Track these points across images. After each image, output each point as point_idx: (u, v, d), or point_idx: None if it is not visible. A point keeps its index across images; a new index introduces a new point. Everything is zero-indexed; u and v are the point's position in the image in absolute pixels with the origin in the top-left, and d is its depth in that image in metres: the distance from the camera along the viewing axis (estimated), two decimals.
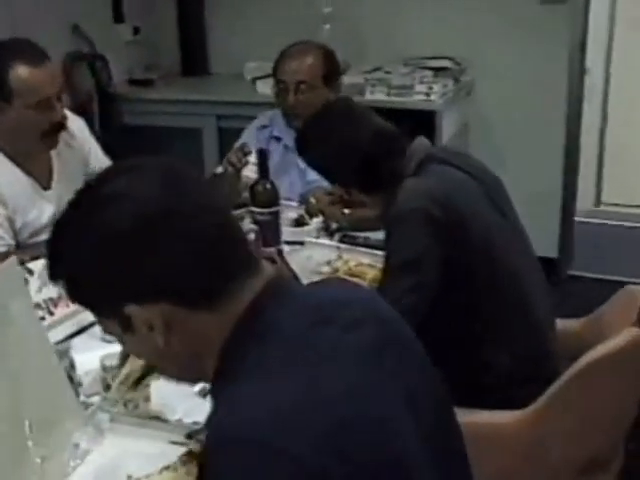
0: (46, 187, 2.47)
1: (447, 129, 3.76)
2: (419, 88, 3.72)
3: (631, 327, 1.80)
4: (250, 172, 2.68)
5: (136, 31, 4.47)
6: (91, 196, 1.07)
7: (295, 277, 1.94)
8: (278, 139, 2.94)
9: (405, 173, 1.95)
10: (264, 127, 3.00)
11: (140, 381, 1.45)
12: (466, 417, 1.83)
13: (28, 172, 2.42)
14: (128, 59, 4.45)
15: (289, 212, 2.60)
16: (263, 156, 2.34)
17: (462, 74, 4.09)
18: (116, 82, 4.22)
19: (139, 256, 1.01)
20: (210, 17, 4.57)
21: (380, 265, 2.24)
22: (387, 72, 3.86)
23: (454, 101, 3.93)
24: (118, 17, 4.37)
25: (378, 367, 1.06)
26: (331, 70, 2.85)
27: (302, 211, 2.60)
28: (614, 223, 4.87)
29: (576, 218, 4.45)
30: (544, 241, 4.23)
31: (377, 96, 3.71)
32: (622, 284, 4.00)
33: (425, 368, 1.17)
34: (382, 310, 1.17)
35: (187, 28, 4.57)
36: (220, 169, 2.68)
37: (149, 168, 1.09)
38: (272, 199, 2.27)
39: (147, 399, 1.53)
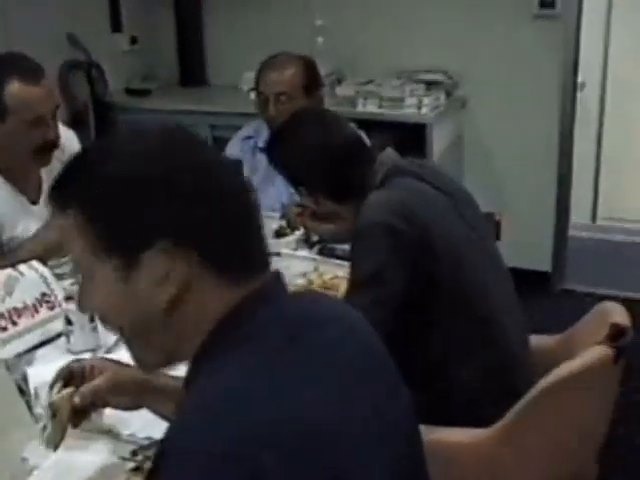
0: (34, 201, 2.45)
1: (439, 142, 3.78)
2: (410, 101, 3.75)
3: (597, 345, 1.78)
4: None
5: (134, 41, 4.52)
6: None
7: None
8: (263, 150, 2.95)
9: (372, 184, 1.95)
10: (249, 138, 3.03)
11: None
12: (431, 435, 1.84)
13: (17, 187, 2.42)
14: (126, 69, 4.51)
15: (271, 223, 2.62)
16: (239, 168, 2.35)
17: (455, 88, 4.12)
18: (113, 91, 4.26)
19: (188, 196, 1.00)
20: (208, 28, 4.62)
21: None
22: (379, 85, 3.89)
23: (446, 114, 3.95)
24: (116, 26, 4.43)
25: (350, 386, 1.05)
26: (312, 81, 2.86)
27: (283, 222, 2.61)
28: (610, 238, 4.88)
29: (572, 232, 4.46)
30: (538, 255, 4.27)
31: (368, 108, 3.73)
32: (617, 299, 4.05)
33: (397, 390, 1.16)
34: (360, 328, 1.16)
35: (185, 38, 4.63)
36: None
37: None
38: None
39: (100, 412, 1.49)
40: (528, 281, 4.20)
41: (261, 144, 2.96)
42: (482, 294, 1.97)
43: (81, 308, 1.15)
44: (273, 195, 2.87)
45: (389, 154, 2.03)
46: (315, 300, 1.18)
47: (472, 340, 1.94)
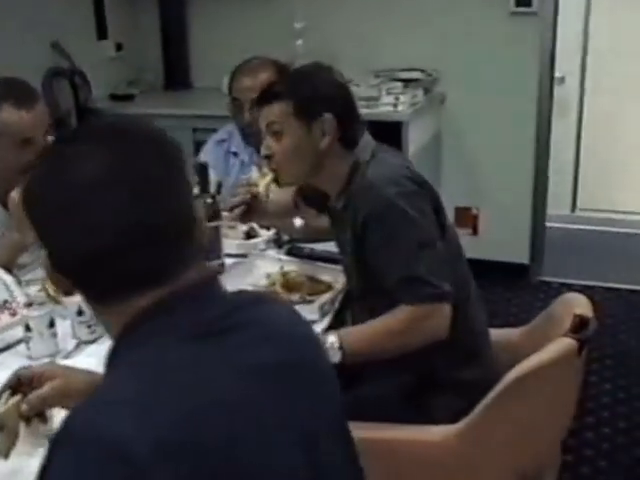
0: None
1: (416, 139, 3.83)
2: (386, 99, 3.80)
3: (561, 337, 1.82)
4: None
5: (119, 47, 4.58)
6: None
7: None
8: (235, 154, 3.00)
9: (362, 158, 1.99)
10: (223, 141, 3.05)
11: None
12: (396, 434, 1.92)
13: (2, 202, 2.42)
14: (112, 75, 4.56)
15: (240, 225, 2.67)
16: (203, 170, 2.40)
17: (434, 85, 4.17)
18: (99, 98, 4.32)
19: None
20: (192, 32, 4.69)
21: (320, 276, 2.32)
22: (357, 85, 3.94)
23: (424, 111, 4.00)
24: (102, 34, 4.49)
25: (260, 389, 1.05)
26: None
27: (253, 224, 2.65)
28: (589, 228, 4.93)
29: (551, 224, 4.52)
30: (516, 248, 4.32)
31: None
32: (595, 289, 4.13)
33: (328, 397, 1.17)
34: (293, 335, 1.17)
35: (170, 43, 4.69)
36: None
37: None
38: (213, 214, 2.33)
39: (45, 420, 1.47)
40: (507, 274, 4.29)
41: (234, 149, 3.01)
42: (465, 279, 2.03)
43: None
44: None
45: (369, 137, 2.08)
46: (250, 303, 1.17)
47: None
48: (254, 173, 2.64)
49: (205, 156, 3.02)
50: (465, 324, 1.96)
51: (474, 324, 2.04)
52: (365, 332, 1.94)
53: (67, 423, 0.98)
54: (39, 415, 1.41)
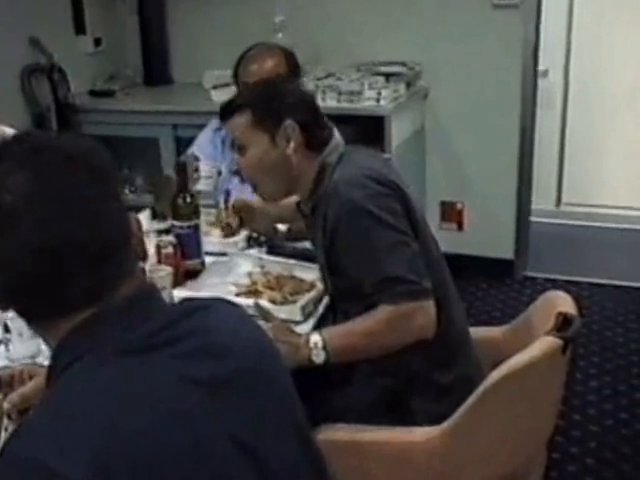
0: None
1: (398, 133, 3.79)
2: (369, 94, 3.75)
3: (545, 336, 1.78)
4: (203, 186, 2.74)
5: (97, 42, 4.51)
6: None
7: None
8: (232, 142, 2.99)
9: (330, 162, 1.96)
10: (219, 129, 3.02)
11: None
12: (378, 436, 1.89)
13: None
14: (90, 70, 4.50)
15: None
16: (182, 168, 2.37)
17: (417, 79, 4.13)
18: (77, 94, 4.26)
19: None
20: (172, 27, 4.63)
21: (303, 275, 2.28)
22: (339, 78, 3.90)
23: (407, 105, 3.96)
24: (80, 29, 4.42)
25: (195, 403, 1.03)
26: (292, 71, 2.86)
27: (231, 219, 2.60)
28: (574, 223, 4.92)
29: (536, 218, 4.50)
30: (501, 243, 4.30)
31: (328, 102, 3.73)
32: (580, 284, 4.11)
33: (276, 402, 1.15)
34: (236, 343, 1.15)
35: (149, 38, 4.63)
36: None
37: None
38: (192, 212, 2.30)
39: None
40: (492, 269, 4.27)
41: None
42: (443, 280, 1.99)
43: None
44: (240, 187, 2.90)
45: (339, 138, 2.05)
46: (191, 313, 1.14)
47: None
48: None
49: (200, 143, 3.03)
50: (445, 325, 1.92)
51: (454, 325, 2.00)
52: (347, 333, 1.89)
53: (6, 445, 0.98)
54: (22, 413, 1.40)
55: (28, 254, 1.00)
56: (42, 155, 1.04)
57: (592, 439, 2.98)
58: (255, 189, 2.06)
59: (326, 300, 2.17)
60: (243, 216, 2.52)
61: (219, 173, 2.77)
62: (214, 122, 3.08)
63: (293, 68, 2.90)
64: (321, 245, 1.96)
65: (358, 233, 1.84)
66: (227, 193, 2.63)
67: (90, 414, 0.96)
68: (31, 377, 1.44)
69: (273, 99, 1.97)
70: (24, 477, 0.91)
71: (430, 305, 1.83)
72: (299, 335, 1.89)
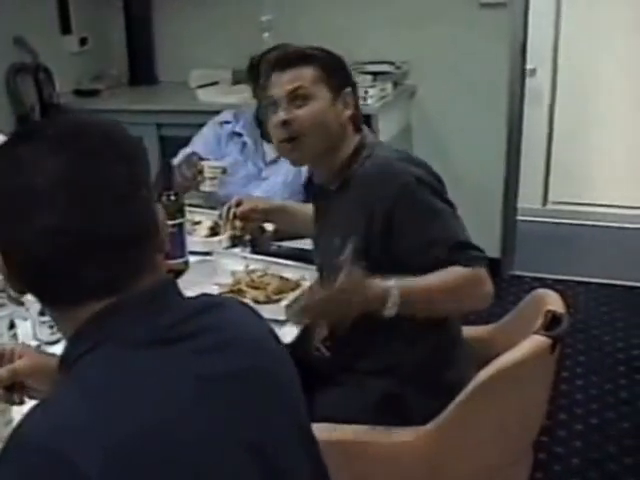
0: None
1: (385, 132, 3.79)
2: None
3: (534, 334, 1.78)
4: (208, 187, 2.71)
5: (83, 42, 4.49)
6: None
7: None
8: (239, 135, 3.00)
9: (368, 142, 1.95)
10: (227, 122, 3.05)
11: None
12: (366, 435, 1.88)
13: None
14: (76, 70, 4.48)
15: (207, 221, 2.63)
16: (167, 168, 2.36)
17: (404, 78, 4.13)
18: (63, 93, 4.24)
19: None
20: (158, 26, 4.62)
21: (287, 275, 2.27)
22: None
23: (394, 104, 3.96)
24: (65, 28, 4.40)
25: (210, 399, 1.03)
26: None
27: (218, 219, 2.58)
28: (560, 222, 4.93)
29: (523, 217, 4.50)
30: (487, 241, 4.27)
31: None
32: (567, 283, 4.11)
33: (284, 400, 1.15)
34: (248, 340, 1.14)
35: (135, 38, 4.62)
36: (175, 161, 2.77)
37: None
38: (176, 211, 2.28)
39: (8, 423, 1.49)
40: None
41: (238, 129, 3.01)
42: None
43: None
44: (243, 180, 2.93)
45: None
46: (198, 309, 1.13)
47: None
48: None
49: (206, 139, 3.03)
50: (448, 324, 1.95)
51: (454, 323, 2.01)
52: (424, 289, 1.79)
53: (17, 432, 0.95)
54: (9, 389, 1.39)
55: (52, 237, 0.98)
56: (76, 139, 1.02)
57: (578, 438, 2.98)
58: (294, 146, 1.96)
59: None
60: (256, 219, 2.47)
61: (224, 171, 2.75)
62: (222, 115, 3.10)
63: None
64: (350, 223, 1.89)
65: (422, 201, 1.82)
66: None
67: (103, 406, 0.95)
68: (21, 357, 1.41)
69: (342, 63, 1.98)
70: (36, 465, 0.90)
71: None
72: (374, 286, 1.77)
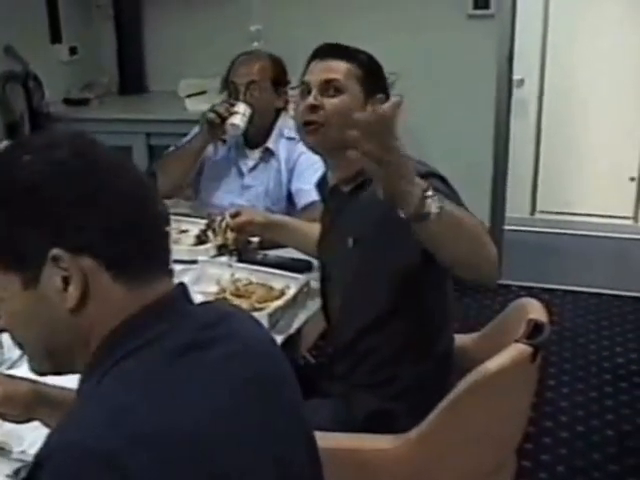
0: None
1: None
2: None
3: (515, 343, 1.77)
4: (236, 120, 2.80)
5: (73, 51, 4.51)
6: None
7: None
8: (223, 141, 3.00)
9: None
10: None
11: None
12: (347, 442, 1.86)
13: None
14: (66, 79, 4.49)
15: (194, 229, 2.64)
16: (152, 175, 2.37)
17: (391, 87, 4.13)
18: (52, 102, 4.24)
19: (78, 198, 1.01)
20: (148, 36, 4.64)
21: (270, 284, 2.28)
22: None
23: None
24: (55, 37, 4.42)
25: (245, 402, 1.06)
26: (278, 77, 2.95)
27: (204, 227, 2.59)
28: (548, 231, 4.96)
29: (511, 227, 4.53)
30: None
31: None
32: (555, 292, 4.13)
33: (293, 406, 1.18)
34: (260, 347, 1.17)
35: (125, 47, 4.64)
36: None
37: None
38: None
39: None
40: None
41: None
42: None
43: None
44: (224, 187, 2.96)
45: None
46: (217, 315, 1.16)
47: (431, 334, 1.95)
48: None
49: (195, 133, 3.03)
50: (445, 341, 1.96)
51: (451, 341, 2.02)
52: (459, 210, 1.66)
53: (61, 437, 0.95)
54: None
55: (128, 204, 1.05)
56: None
57: (563, 446, 3.00)
58: (313, 129, 1.95)
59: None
60: (250, 231, 2.47)
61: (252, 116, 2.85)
62: None
63: (280, 74, 2.97)
64: (367, 225, 1.86)
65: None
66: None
67: (153, 409, 0.95)
68: None
69: (381, 71, 2.00)
70: (89, 468, 0.90)
71: None
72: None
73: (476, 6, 4.04)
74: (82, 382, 1.07)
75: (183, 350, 1.02)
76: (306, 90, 1.97)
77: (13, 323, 1.09)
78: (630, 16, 4.85)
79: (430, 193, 1.45)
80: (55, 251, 1.00)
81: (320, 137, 1.96)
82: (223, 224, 2.47)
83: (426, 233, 1.51)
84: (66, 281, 1.01)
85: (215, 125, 2.84)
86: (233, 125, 2.81)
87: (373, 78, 1.95)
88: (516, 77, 4.33)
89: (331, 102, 1.92)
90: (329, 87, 1.93)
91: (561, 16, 4.95)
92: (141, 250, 1.06)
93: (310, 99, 1.93)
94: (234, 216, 2.44)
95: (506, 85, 4.15)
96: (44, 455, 0.93)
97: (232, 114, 2.82)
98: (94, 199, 1.02)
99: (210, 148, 2.99)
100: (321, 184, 2.20)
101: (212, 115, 2.84)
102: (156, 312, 1.05)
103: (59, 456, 0.91)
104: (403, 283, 1.85)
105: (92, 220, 1.02)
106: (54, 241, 1.00)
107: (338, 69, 1.93)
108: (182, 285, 1.12)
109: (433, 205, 1.45)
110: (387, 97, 1.96)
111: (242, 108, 2.83)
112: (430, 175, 1.77)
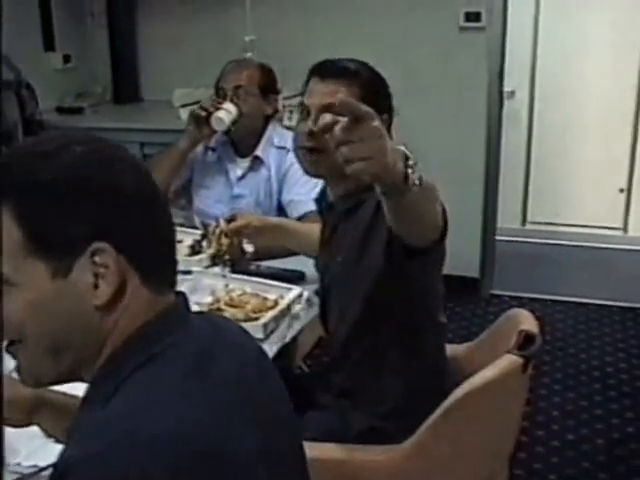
0: None
1: None
2: None
3: (507, 354, 1.79)
4: (221, 114, 2.81)
5: (66, 59, 4.52)
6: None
7: None
8: (213, 149, 3.02)
9: None
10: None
11: None
12: (339, 454, 1.87)
13: None
14: (59, 87, 4.51)
15: (187, 239, 2.64)
16: None
17: None
18: (45, 110, 4.25)
19: (125, 197, 1.01)
20: (142, 45, 4.66)
21: (264, 294, 2.29)
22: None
23: None
24: (49, 45, 4.43)
25: (248, 409, 1.06)
26: (267, 85, 2.96)
27: (199, 237, 2.58)
28: (539, 242, 4.99)
29: (502, 237, 4.55)
30: (467, 261, 4.34)
31: (295, 122, 3.75)
32: (545, 302, 4.15)
33: (286, 413, 1.19)
34: (253, 357, 1.18)
35: (119, 56, 4.65)
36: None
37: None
38: None
39: None
40: (458, 287, 4.29)
41: (212, 144, 3.02)
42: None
43: None
44: (214, 196, 2.97)
45: None
46: (214, 324, 1.17)
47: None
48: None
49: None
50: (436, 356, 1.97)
51: (443, 352, 2.03)
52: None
53: (82, 446, 0.93)
54: None
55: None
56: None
57: (555, 455, 3.02)
58: (314, 157, 1.93)
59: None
60: (248, 234, 2.43)
61: (236, 118, 2.86)
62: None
63: (268, 82, 2.98)
64: (357, 246, 1.87)
65: None
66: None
67: (171, 421, 0.94)
68: None
69: (384, 88, 1.95)
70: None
71: None
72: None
73: (468, 19, 4.06)
74: (92, 387, 1.05)
75: (193, 360, 1.02)
76: (305, 112, 1.95)
77: (21, 312, 1.01)
78: (619, 29, 4.89)
79: (412, 162, 1.38)
80: (99, 244, 0.99)
81: (316, 166, 1.95)
82: (217, 230, 2.47)
83: (407, 204, 1.46)
84: (97, 277, 1.00)
85: (201, 120, 2.85)
86: (217, 119, 2.82)
87: (374, 98, 1.84)
88: (507, 89, 4.36)
89: None
90: (328, 112, 1.90)
91: (551, 29, 4.99)
92: (163, 257, 1.07)
93: (309, 124, 1.91)
94: (230, 221, 2.42)
95: (497, 97, 4.17)
96: (65, 466, 0.92)
97: (218, 110, 2.84)
98: (137, 199, 1.03)
99: (199, 150, 3.00)
100: (320, 199, 2.19)
101: (198, 110, 2.88)
102: (168, 320, 1.05)
103: (81, 469, 0.90)
104: (375, 299, 1.85)
105: (134, 220, 1.02)
106: (99, 235, 0.99)
107: (337, 94, 1.85)
108: (183, 294, 1.13)
109: (416, 174, 1.39)
110: (389, 115, 1.93)
111: (228, 106, 2.85)
112: None
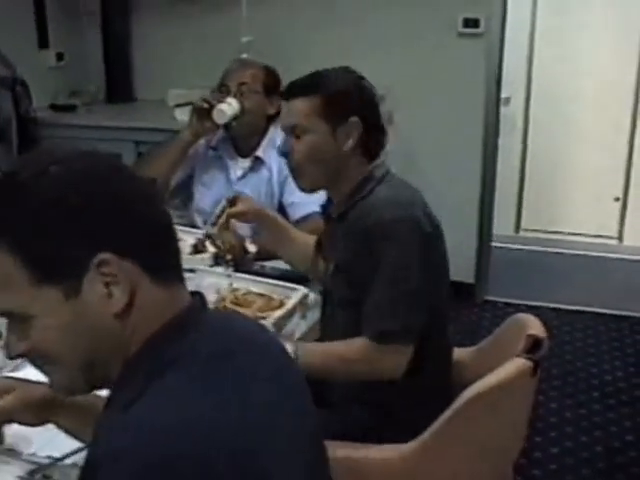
0: None
1: None
2: None
3: (516, 357, 1.79)
4: (224, 106, 2.80)
5: (60, 57, 4.48)
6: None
7: None
8: (214, 149, 3.00)
9: (376, 174, 1.93)
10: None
11: None
12: (350, 453, 1.85)
13: None
14: (52, 85, 4.46)
15: (189, 239, 2.61)
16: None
17: (381, 103, 4.14)
18: (39, 108, 4.20)
19: (113, 203, 1.01)
20: (136, 44, 4.62)
21: (269, 294, 2.27)
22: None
23: None
24: (43, 43, 4.39)
25: (277, 407, 1.07)
26: (270, 85, 2.94)
27: (201, 236, 2.59)
28: (533, 249, 4.99)
29: (496, 244, 4.55)
30: (462, 267, 4.32)
31: None
32: (539, 309, 4.15)
33: (307, 408, 1.19)
34: (271, 351, 1.18)
35: (112, 54, 4.61)
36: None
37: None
38: None
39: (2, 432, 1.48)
40: (453, 293, 4.28)
41: (213, 143, 3.00)
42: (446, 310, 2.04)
43: (12, 352, 1.08)
44: (214, 195, 2.90)
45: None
46: (231, 321, 1.19)
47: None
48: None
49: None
50: (441, 357, 1.98)
51: (447, 355, 2.03)
52: (321, 350, 1.88)
53: (113, 443, 0.93)
54: None
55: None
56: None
57: (553, 462, 3.00)
58: (295, 175, 2.00)
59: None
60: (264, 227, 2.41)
61: (237, 115, 2.85)
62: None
63: (272, 82, 2.96)
64: (344, 252, 1.92)
65: (393, 264, 1.83)
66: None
67: (201, 420, 0.95)
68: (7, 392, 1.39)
69: (349, 93, 1.93)
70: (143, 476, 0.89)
71: (408, 350, 1.84)
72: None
73: (466, 25, 4.06)
74: (116, 389, 1.06)
75: (213, 359, 1.03)
76: (285, 132, 2.00)
77: (49, 340, 1.03)
78: (615, 37, 4.91)
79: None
80: (102, 256, 1.00)
81: (300, 181, 2.00)
82: (223, 217, 2.35)
83: None
84: (108, 286, 1.01)
85: (203, 112, 2.83)
86: (219, 111, 2.81)
87: (339, 104, 1.89)
88: (503, 95, 4.35)
89: (297, 147, 1.94)
90: (293, 132, 1.93)
91: (547, 36, 5.00)
92: (170, 253, 1.08)
93: (282, 146, 1.99)
94: (232, 203, 2.36)
95: (494, 103, 4.17)
96: (96, 462, 0.93)
97: (220, 102, 2.83)
98: (126, 203, 1.03)
99: (201, 147, 2.98)
100: (326, 205, 2.17)
101: (200, 102, 2.85)
102: (188, 319, 1.06)
103: (112, 462, 0.91)
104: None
105: (129, 223, 1.02)
106: (98, 247, 1.00)
107: (297, 111, 1.91)
108: (199, 294, 1.13)
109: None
110: (363, 116, 1.93)
111: (231, 100, 2.84)
112: (390, 227, 1.82)
